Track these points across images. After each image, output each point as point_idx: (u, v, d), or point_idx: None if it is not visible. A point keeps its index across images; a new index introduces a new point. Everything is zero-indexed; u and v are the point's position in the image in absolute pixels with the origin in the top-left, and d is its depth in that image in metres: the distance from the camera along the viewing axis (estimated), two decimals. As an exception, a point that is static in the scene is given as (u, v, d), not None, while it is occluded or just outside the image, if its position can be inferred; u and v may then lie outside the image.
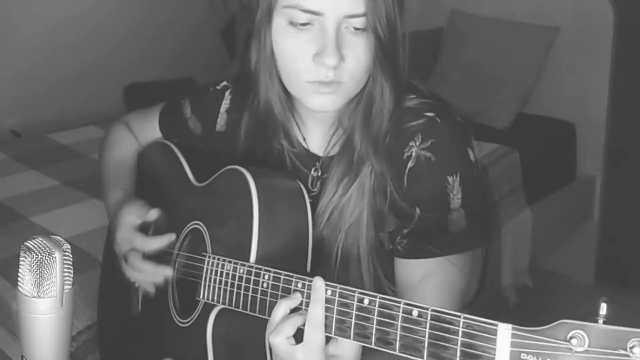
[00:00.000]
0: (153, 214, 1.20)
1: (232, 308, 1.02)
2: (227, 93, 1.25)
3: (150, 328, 1.22)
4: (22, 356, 0.97)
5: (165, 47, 3.68)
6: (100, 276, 1.42)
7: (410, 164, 1.03)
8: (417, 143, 1.03)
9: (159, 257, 1.18)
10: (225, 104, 1.25)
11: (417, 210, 1.04)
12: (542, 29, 2.91)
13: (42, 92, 3.30)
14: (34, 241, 0.94)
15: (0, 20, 3.15)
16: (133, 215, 1.20)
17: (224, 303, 1.04)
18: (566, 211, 2.97)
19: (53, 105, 3.33)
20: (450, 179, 1.03)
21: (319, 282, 0.88)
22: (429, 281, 1.04)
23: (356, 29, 0.99)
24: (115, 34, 3.52)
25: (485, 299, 2.50)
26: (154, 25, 3.64)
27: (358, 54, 1.00)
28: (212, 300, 1.06)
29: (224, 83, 1.26)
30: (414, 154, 1.03)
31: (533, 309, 2.82)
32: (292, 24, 1.00)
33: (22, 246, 0.95)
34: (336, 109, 1.06)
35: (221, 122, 1.25)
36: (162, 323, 1.18)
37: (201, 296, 1.08)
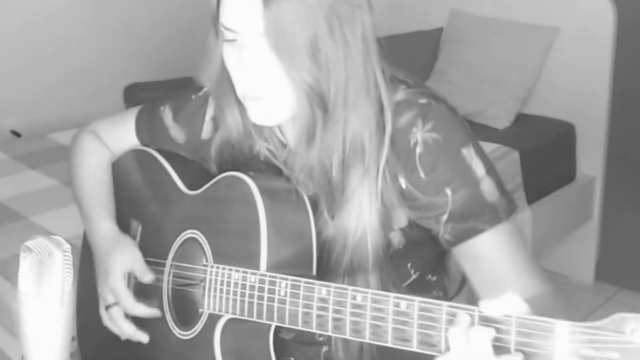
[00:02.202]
0: (148, 277, 1.16)
1: (245, 318, 1.01)
2: (210, 99, 1.23)
3: (148, 341, 1.19)
4: (22, 356, 0.97)
5: (165, 47, 3.68)
6: (77, 285, 1.34)
7: (419, 150, 1.02)
8: (420, 127, 1.02)
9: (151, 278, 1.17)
10: (209, 111, 1.23)
11: (448, 191, 1.02)
12: (542, 29, 2.91)
13: (42, 92, 3.30)
14: (34, 241, 0.94)
15: (0, 21, 3.15)
16: (127, 265, 1.16)
17: (233, 313, 1.02)
18: (566, 211, 2.97)
19: (53, 105, 3.33)
20: (464, 150, 1.02)
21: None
22: (495, 255, 1.03)
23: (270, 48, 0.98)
24: (116, 33, 3.52)
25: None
26: (154, 25, 3.64)
27: (275, 71, 0.99)
28: (218, 310, 1.04)
29: (205, 89, 1.24)
30: (419, 138, 1.02)
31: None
32: (227, 41, 1.02)
33: (22, 246, 0.95)
34: (277, 124, 1.07)
35: (207, 129, 1.24)
36: (160, 336, 1.16)
37: (205, 307, 1.06)
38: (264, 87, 1.01)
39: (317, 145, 1.04)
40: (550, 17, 2.92)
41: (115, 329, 1.17)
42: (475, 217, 1.02)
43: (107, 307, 1.17)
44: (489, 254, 1.03)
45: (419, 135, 1.02)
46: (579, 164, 3.00)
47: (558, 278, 3.07)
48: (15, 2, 3.18)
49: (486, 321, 0.77)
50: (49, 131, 2.99)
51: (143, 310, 1.14)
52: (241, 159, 1.17)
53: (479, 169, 1.03)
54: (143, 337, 1.16)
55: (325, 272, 1.07)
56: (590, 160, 2.98)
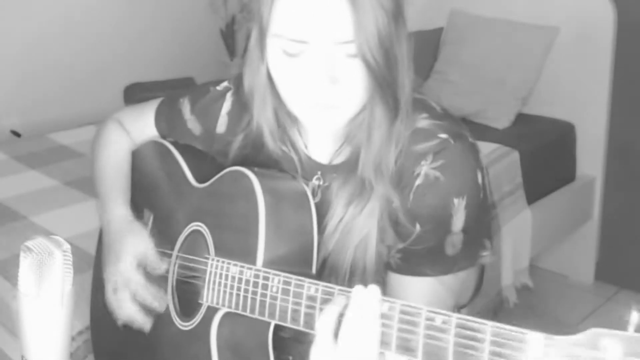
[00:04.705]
0: (162, 268, 1.17)
1: (239, 312, 1.01)
2: (228, 95, 1.24)
3: (150, 330, 1.20)
4: (22, 356, 0.97)
5: (165, 47, 3.69)
6: (92, 275, 1.40)
7: (418, 181, 1.03)
8: (428, 162, 1.03)
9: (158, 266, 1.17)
10: (226, 105, 1.24)
11: (418, 227, 1.03)
12: (542, 29, 2.91)
13: (42, 92, 3.30)
14: (34, 241, 0.94)
15: (1, 21, 3.15)
16: (140, 252, 1.16)
17: (229, 306, 1.03)
18: (566, 211, 2.97)
19: (53, 105, 3.33)
20: (456, 200, 1.02)
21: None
22: (416, 299, 1.02)
23: (349, 54, 0.97)
24: (115, 34, 3.52)
25: (486, 299, 2.50)
26: (154, 26, 3.64)
27: (352, 79, 0.98)
28: (216, 303, 1.05)
29: (225, 84, 1.25)
30: (423, 171, 1.03)
31: (533, 309, 2.82)
32: (285, 52, 0.99)
33: (22, 246, 0.95)
34: (337, 129, 1.07)
35: (222, 124, 1.24)
36: (162, 325, 1.17)
37: (204, 299, 1.07)
38: (343, 95, 0.99)
39: (392, 147, 1.05)
40: (550, 17, 2.92)
41: (121, 312, 1.16)
42: (425, 262, 1.04)
43: (115, 291, 1.17)
44: (415, 295, 1.04)
45: (425, 169, 1.03)
46: (579, 164, 3.00)
47: (558, 278, 3.07)
48: (14, 4, 3.18)
49: (463, 328, 0.76)
50: (49, 131, 2.99)
51: (152, 291, 1.15)
52: (259, 157, 1.17)
53: (458, 222, 1.03)
54: (147, 324, 1.15)
55: (328, 275, 1.07)
56: (590, 160, 2.98)
